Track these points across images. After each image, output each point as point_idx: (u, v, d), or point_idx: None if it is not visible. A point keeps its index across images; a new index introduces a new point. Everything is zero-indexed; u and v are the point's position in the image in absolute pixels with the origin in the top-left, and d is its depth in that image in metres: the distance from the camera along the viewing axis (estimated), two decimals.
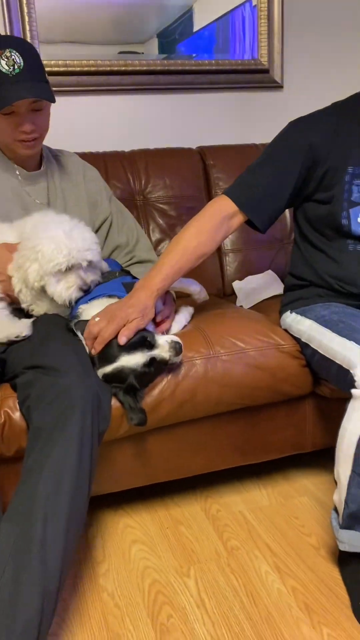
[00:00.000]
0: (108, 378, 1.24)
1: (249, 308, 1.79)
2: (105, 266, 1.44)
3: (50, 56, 1.95)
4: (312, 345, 1.36)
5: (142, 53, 2.09)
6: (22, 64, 1.30)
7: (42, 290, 1.32)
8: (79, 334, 1.27)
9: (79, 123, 2.06)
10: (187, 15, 2.10)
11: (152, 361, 1.24)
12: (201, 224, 1.36)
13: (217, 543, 1.41)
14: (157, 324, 1.38)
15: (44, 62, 1.44)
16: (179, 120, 2.17)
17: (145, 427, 1.31)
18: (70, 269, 1.29)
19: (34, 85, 1.33)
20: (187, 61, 2.13)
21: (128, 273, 1.50)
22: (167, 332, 1.42)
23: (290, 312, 1.48)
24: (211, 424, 1.45)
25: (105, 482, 1.42)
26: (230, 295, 1.98)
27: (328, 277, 1.42)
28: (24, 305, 1.37)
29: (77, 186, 1.57)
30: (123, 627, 1.18)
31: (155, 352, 1.25)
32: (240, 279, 1.98)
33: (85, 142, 1.99)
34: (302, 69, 2.27)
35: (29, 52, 1.33)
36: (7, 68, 1.30)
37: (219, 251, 2.01)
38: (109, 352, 1.22)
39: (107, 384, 1.24)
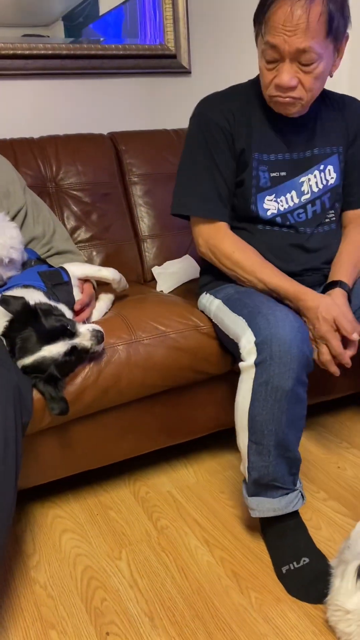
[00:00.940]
0: (28, 369, 1.22)
1: (168, 293, 1.81)
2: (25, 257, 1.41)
3: None
4: (217, 323, 1.42)
5: (48, 37, 2.04)
6: None
7: None
8: None
9: None
10: None
11: (73, 350, 1.24)
12: (238, 249, 1.39)
13: (147, 524, 1.44)
14: (76, 313, 1.38)
15: None
16: (88, 106, 2.14)
17: (69, 416, 1.31)
18: None
19: None
20: (94, 45, 2.10)
21: (44, 261, 1.48)
22: (87, 320, 1.41)
23: (205, 294, 1.52)
24: (136, 408, 1.46)
25: (32, 475, 1.41)
26: (150, 281, 2.00)
27: None
28: None
29: None
30: (57, 616, 1.18)
31: (77, 341, 1.25)
32: (159, 264, 2.00)
33: None
34: (209, 54, 2.30)
35: None
36: None
37: (137, 237, 2.02)
38: (29, 342, 1.20)
39: (26, 375, 1.23)
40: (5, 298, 1.21)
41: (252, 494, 1.27)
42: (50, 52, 2.03)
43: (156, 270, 1.97)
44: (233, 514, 1.45)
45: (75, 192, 1.93)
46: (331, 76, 1.33)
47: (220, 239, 1.40)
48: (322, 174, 1.45)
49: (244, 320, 1.25)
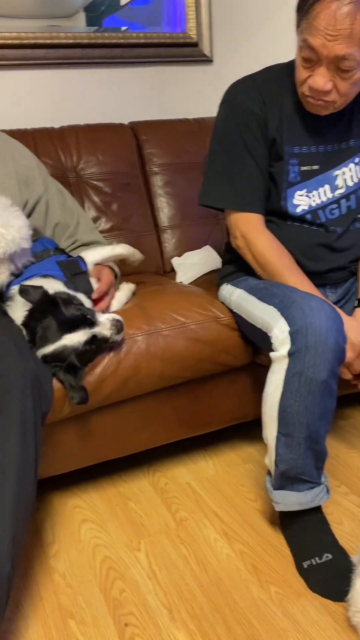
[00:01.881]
0: (48, 358, 1.21)
1: (188, 284, 1.80)
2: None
3: None
4: (239, 313, 1.39)
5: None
6: None
7: None
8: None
9: (5, 99, 1.98)
10: None
11: (94, 339, 1.23)
12: (272, 249, 1.35)
13: (166, 515, 1.43)
14: (94, 302, 1.37)
15: None
16: (109, 95, 2.12)
17: (89, 406, 1.31)
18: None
19: None
20: (115, 34, 2.08)
21: (63, 251, 1.47)
22: (107, 310, 1.40)
23: (226, 285, 1.50)
24: (155, 399, 1.45)
25: (52, 464, 1.41)
26: (169, 272, 1.98)
27: None
28: None
29: (5, 163, 1.51)
30: (76, 606, 1.18)
31: (97, 330, 1.24)
32: (179, 255, 1.98)
33: (12, 119, 1.92)
34: (231, 42, 2.26)
35: None
36: None
37: (157, 228, 2.00)
38: (50, 331, 1.20)
39: (46, 364, 1.22)
40: (24, 288, 1.21)
41: (277, 487, 1.24)
42: (71, 41, 2.02)
43: (176, 261, 1.96)
44: (253, 507, 1.44)
45: (95, 182, 1.92)
46: None
47: (256, 235, 1.36)
48: (358, 167, 1.39)
49: (275, 309, 1.21)
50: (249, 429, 1.73)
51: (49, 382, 1.22)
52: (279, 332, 1.17)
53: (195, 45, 2.20)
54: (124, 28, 2.10)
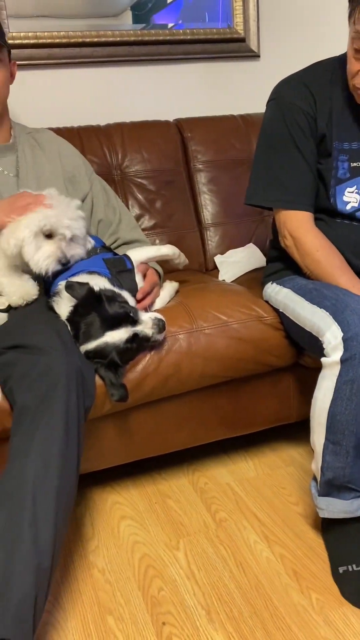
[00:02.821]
0: (90, 354, 1.22)
1: (231, 282, 1.78)
2: (91, 244, 1.41)
3: (20, 29, 1.89)
4: (286, 314, 1.36)
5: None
6: None
7: (15, 267, 1.29)
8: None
9: (52, 98, 2.00)
10: None
11: (135, 337, 1.23)
12: (322, 247, 1.32)
13: (205, 515, 1.42)
14: (138, 301, 1.37)
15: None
16: (154, 92, 2.12)
17: (130, 403, 1.31)
18: (50, 236, 1.26)
19: None
20: (162, 31, 2.08)
21: (109, 249, 1.48)
22: (150, 308, 1.40)
23: (271, 283, 1.48)
24: (196, 398, 1.45)
25: (92, 459, 1.42)
26: (212, 270, 1.97)
27: None
28: None
29: (52, 161, 1.53)
30: (114, 602, 1.19)
31: (138, 328, 1.24)
32: (222, 253, 1.96)
33: (59, 117, 1.94)
34: (279, 37, 2.22)
35: None
36: None
37: (200, 225, 1.99)
38: (93, 327, 1.21)
39: (88, 360, 1.23)
40: (70, 284, 1.22)
41: (323, 493, 1.22)
42: (118, 39, 2.02)
43: (219, 259, 1.94)
44: (294, 511, 1.41)
45: (140, 180, 1.92)
46: None
47: (304, 233, 1.33)
48: None
49: (327, 313, 1.18)
50: (291, 431, 1.70)
51: (92, 378, 1.23)
52: (332, 338, 1.14)
53: (242, 40, 2.17)
54: (170, 25, 2.09)
